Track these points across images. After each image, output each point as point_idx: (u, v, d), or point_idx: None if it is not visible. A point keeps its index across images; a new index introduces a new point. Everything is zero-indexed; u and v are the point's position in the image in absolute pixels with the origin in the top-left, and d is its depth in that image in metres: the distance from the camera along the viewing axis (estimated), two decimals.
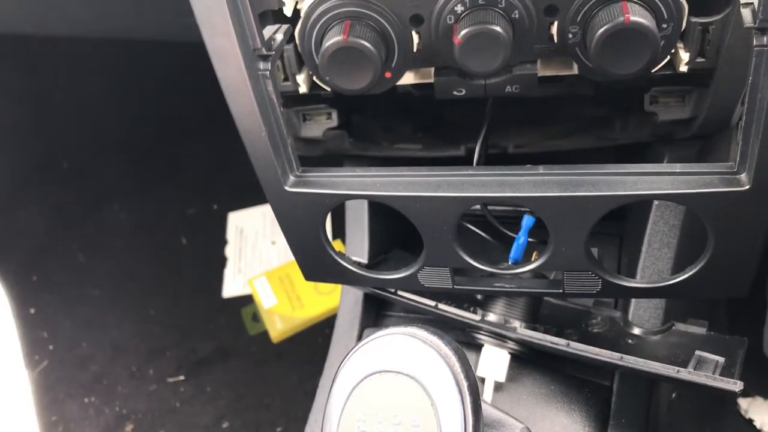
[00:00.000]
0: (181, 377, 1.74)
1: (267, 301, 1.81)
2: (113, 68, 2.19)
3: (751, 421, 1.37)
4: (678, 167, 0.67)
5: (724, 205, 0.65)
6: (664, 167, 0.67)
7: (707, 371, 0.73)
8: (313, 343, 1.75)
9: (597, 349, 0.76)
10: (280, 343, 1.78)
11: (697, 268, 0.70)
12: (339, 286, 1.15)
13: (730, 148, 0.81)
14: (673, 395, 0.99)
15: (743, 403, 1.39)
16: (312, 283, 1.77)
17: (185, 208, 2.06)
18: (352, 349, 0.52)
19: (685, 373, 0.72)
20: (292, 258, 0.82)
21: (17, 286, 1.98)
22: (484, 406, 0.70)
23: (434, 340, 0.51)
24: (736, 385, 0.70)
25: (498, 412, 0.69)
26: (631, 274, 0.91)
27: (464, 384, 0.49)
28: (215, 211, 2.04)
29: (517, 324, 0.82)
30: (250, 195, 1.97)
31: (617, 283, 0.74)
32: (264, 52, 0.68)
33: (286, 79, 0.80)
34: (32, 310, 1.91)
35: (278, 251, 1.94)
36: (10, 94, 2.17)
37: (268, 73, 0.68)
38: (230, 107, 0.71)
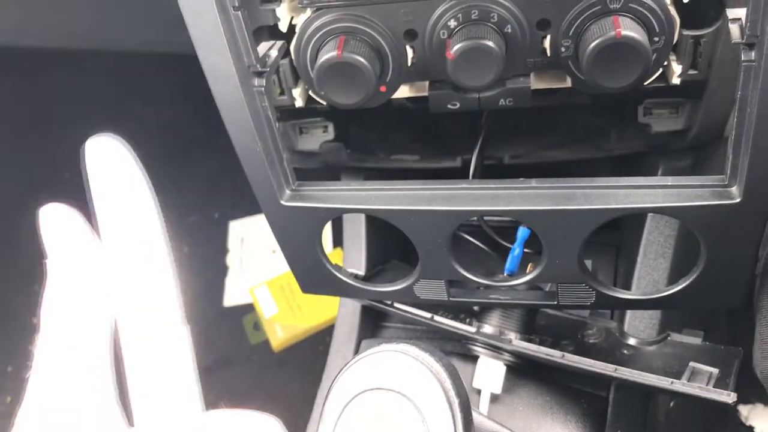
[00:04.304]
0: None
1: (268, 309, 1.81)
2: (114, 79, 2.20)
3: (751, 428, 1.37)
4: (670, 180, 0.67)
5: (715, 217, 0.65)
6: (656, 180, 0.68)
7: (701, 382, 0.73)
8: (315, 351, 1.76)
9: (591, 361, 0.77)
10: (281, 351, 1.78)
11: (690, 280, 0.70)
12: None
13: (725, 159, 0.82)
14: (671, 404, 0.99)
15: (744, 410, 1.39)
16: None
17: (186, 217, 2.06)
18: (344, 366, 0.52)
19: (679, 385, 0.72)
20: None
21: (20, 296, 1.98)
22: (480, 418, 0.71)
23: (425, 357, 0.51)
24: (729, 397, 0.70)
25: (494, 424, 0.69)
26: (627, 285, 0.91)
27: (455, 401, 0.49)
28: (216, 219, 2.05)
29: (512, 336, 0.83)
30: (251, 204, 1.95)
31: (611, 294, 0.74)
32: (259, 68, 0.68)
33: (282, 93, 0.80)
34: (35, 320, 1.92)
35: (279, 260, 1.93)
36: (12, 106, 2.18)
37: (263, 89, 0.69)
38: (225, 123, 0.71)
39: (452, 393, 0.49)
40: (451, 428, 0.48)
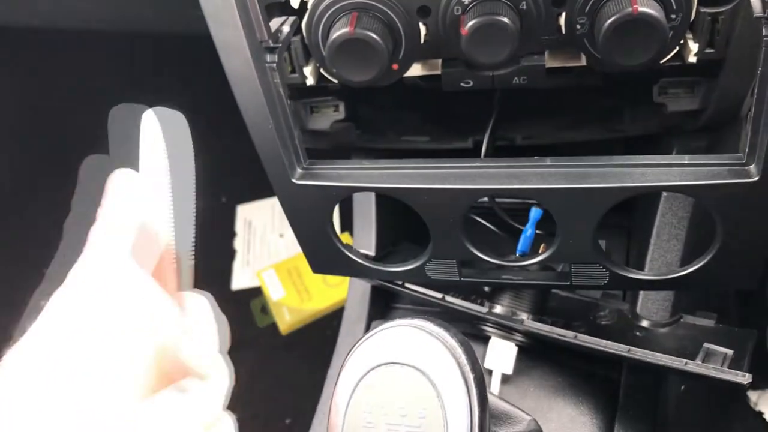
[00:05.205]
0: None
1: (275, 293, 1.81)
2: (122, 61, 2.20)
3: (760, 413, 1.36)
4: (687, 158, 0.66)
5: (732, 196, 0.64)
6: (672, 158, 0.67)
7: (716, 364, 0.72)
8: (322, 334, 1.76)
9: (605, 341, 0.76)
10: (288, 335, 1.78)
11: (706, 260, 0.70)
12: (347, 278, 1.15)
13: (739, 140, 0.81)
14: (682, 388, 0.98)
15: (753, 395, 1.38)
16: (320, 275, 1.77)
17: None
18: (358, 341, 0.52)
19: (693, 366, 0.72)
20: (301, 250, 0.82)
21: (28, 279, 1.98)
22: (491, 398, 0.70)
23: (440, 332, 0.51)
24: (745, 378, 0.70)
25: (505, 404, 0.69)
26: (640, 267, 0.90)
27: (470, 376, 0.49)
28: (224, 203, 2.04)
29: (524, 316, 0.82)
30: (259, 188, 1.97)
31: (625, 275, 0.73)
32: (271, 44, 0.68)
33: (293, 71, 0.79)
34: (43, 303, 1.92)
35: (286, 244, 1.94)
36: (19, 88, 2.17)
37: (275, 65, 0.68)
38: (237, 99, 0.71)
39: (467, 368, 0.49)
40: (466, 402, 0.48)
